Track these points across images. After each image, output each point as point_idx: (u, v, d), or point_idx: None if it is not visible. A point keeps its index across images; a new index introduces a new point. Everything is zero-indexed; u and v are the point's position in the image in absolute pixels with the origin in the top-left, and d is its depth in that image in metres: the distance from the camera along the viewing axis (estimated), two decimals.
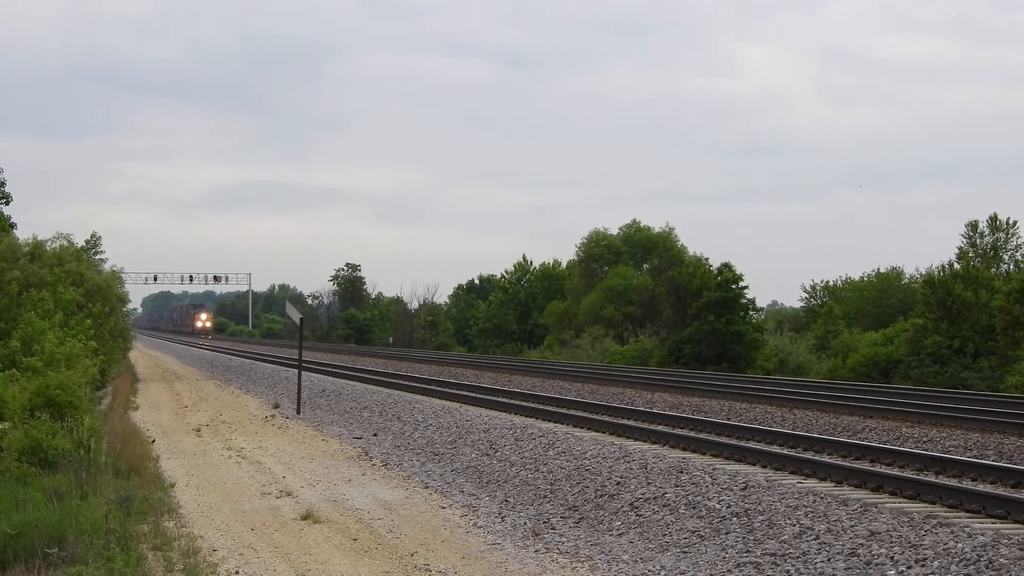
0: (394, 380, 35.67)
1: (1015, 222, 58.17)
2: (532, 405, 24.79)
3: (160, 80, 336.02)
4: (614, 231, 79.57)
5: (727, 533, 11.95)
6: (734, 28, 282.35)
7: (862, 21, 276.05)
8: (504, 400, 26.48)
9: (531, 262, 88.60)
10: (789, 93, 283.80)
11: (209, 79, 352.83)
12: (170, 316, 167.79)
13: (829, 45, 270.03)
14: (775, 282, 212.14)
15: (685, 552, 11.60)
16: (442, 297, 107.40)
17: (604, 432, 19.69)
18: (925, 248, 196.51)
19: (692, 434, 18.87)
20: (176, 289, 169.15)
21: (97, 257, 44.72)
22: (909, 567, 9.77)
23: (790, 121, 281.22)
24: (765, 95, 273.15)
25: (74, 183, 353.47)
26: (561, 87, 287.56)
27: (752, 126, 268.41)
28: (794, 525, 11.62)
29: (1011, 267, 56.42)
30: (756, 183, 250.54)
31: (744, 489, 13.34)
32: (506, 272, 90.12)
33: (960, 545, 10.03)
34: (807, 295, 74.65)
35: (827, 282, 74.05)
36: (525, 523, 13.58)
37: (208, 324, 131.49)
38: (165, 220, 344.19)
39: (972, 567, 9.47)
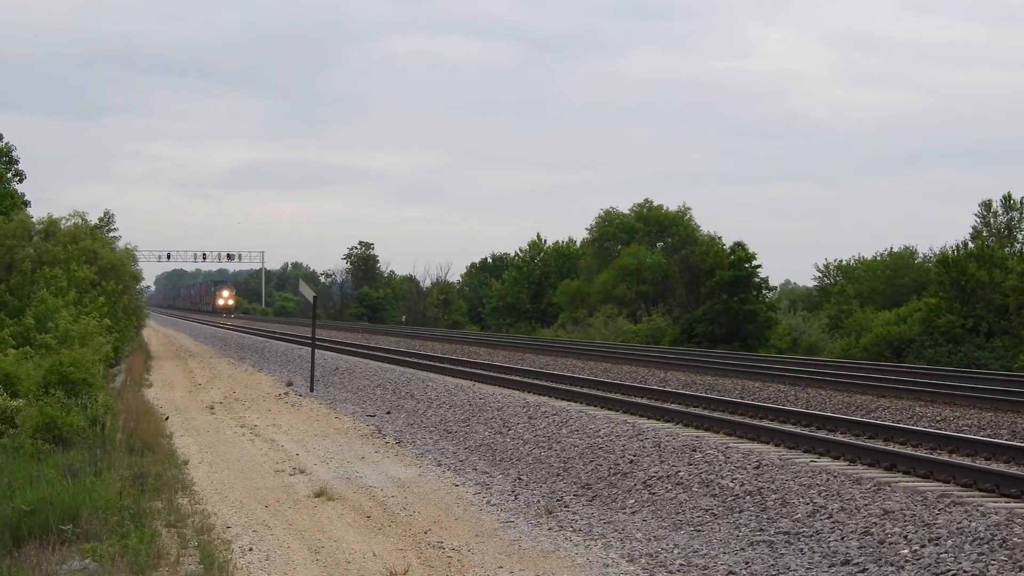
0: (407, 358, 35.72)
1: None
2: (545, 383, 24.77)
3: (179, 61, 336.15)
4: (627, 211, 79.41)
5: (740, 511, 11.94)
6: (753, 10, 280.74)
7: (880, 3, 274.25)
8: (517, 378, 26.47)
9: (545, 241, 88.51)
10: (806, 75, 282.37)
11: (228, 60, 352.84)
12: (187, 293, 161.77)
13: (847, 27, 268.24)
14: (788, 261, 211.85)
15: (698, 530, 11.59)
16: (455, 276, 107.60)
17: (617, 410, 19.67)
18: (940, 230, 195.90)
19: (705, 413, 18.85)
20: (189, 267, 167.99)
21: (111, 235, 44.80)
22: (923, 546, 9.75)
23: (807, 102, 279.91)
24: (782, 76, 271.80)
25: (91, 163, 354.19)
26: (579, 69, 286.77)
27: (768, 107, 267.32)
28: (807, 504, 11.61)
29: None
30: (771, 164, 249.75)
31: (757, 468, 13.32)
32: (520, 251, 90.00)
33: (974, 524, 10.01)
34: (820, 274, 74.48)
35: (840, 261, 73.84)
36: (538, 501, 13.58)
37: (231, 302, 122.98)
38: (180, 199, 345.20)
39: (986, 546, 9.45)
